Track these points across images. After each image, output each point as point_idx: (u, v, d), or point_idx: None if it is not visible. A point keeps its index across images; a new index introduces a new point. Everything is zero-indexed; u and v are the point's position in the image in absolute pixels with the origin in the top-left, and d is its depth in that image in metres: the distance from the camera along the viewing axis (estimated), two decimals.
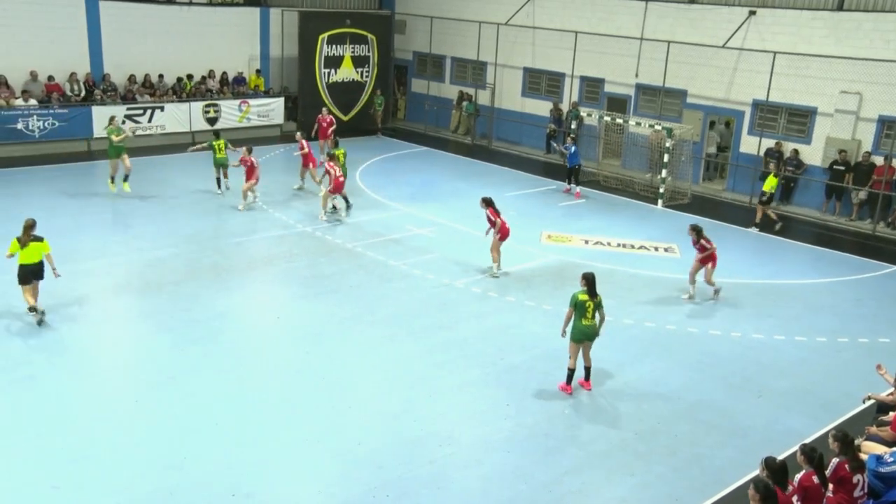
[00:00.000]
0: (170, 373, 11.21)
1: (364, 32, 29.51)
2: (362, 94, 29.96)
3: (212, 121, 24.96)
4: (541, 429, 10.27)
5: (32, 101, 22.98)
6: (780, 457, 8.09)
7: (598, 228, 19.21)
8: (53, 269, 12.40)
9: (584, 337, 10.98)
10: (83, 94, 24.34)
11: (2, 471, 8.84)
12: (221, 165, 20.01)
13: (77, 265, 14.86)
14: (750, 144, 22.61)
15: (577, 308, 10.88)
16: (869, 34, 20.25)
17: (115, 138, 18.79)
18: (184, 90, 26.35)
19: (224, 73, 27.48)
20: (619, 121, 23.50)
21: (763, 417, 10.87)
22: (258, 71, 28.56)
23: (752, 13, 22.20)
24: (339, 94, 29.12)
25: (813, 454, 7.77)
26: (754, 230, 19.68)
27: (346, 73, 29.35)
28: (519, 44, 27.91)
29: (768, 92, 21.39)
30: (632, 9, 24.79)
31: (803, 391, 11.68)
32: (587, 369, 11.31)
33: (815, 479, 7.68)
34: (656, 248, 17.94)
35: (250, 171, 18.73)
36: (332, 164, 18.45)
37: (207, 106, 25.91)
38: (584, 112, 25.62)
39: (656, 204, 21.75)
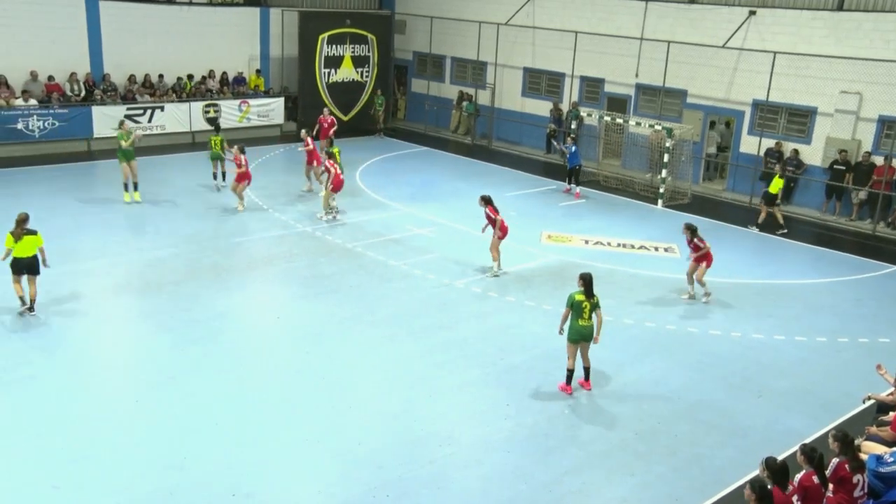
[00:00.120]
0: (170, 373, 11.21)
1: (364, 32, 29.51)
2: (362, 94, 29.96)
3: (212, 121, 24.95)
4: (541, 429, 10.27)
5: (32, 101, 22.98)
6: (781, 457, 8.08)
7: (598, 228, 19.21)
8: (44, 260, 12.59)
9: (580, 338, 10.98)
10: (83, 94, 24.34)
11: (2, 471, 8.84)
12: (216, 160, 20.64)
13: (77, 265, 14.88)
14: (750, 144, 22.61)
15: (574, 308, 10.88)
16: (869, 34, 20.25)
17: (124, 144, 18.60)
18: (184, 90, 26.35)
19: (224, 73, 27.48)
20: (619, 121, 23.50)
21: (763, 417, 10.87)
22: (258, 71, 28.57)
23: (752, 13, 22.20)
24: (339, 94, 29.12)
25: (813, 454, 7.77)
26: (755, 230, 19.69)
27: (346, 73, 29.36)
28: (519, 44, 27.91)
29: (768, 92, 21.39)
30: (632, 9, 24.79)
31: (803, 391, 11.68)
32: (586, 369, 11.31)
33: (816, 479, 7.68)
34: (656, 249, 17.94)
35: (241, 173, 18.60)
36: (331, 162, 18.48)
37: (207, 106, 25.91)
38: (584, 112, 25.62)
39: (656, 204, 21.75)
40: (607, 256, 17.13)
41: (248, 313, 13.71)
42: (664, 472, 9.50)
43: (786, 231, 19.41)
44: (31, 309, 12.61)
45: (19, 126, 22.55)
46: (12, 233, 12.37)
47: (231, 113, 26.50)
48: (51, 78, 23.85)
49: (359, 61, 29.61)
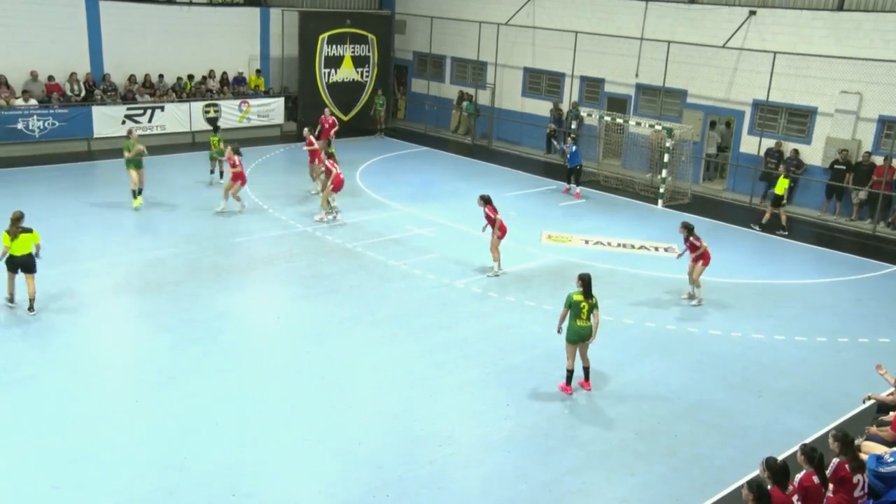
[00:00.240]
0: (170, 373, 11.21)
1: (364, 32, 29.51)
2: (362, 94, 29.96)
3: (211, 121, 24.95)
4: (541, 429, 10.27)
5: (32, 101, 22.98)
6: (781, 457, 8.08)
7: (598, 228, 19.21)
8: (38, 252, 12.77)
9: (578, 338, 10.98)
10: (83, 94, 24.34)
11: (2, 471, 8.84)
12: (213, 159, 21.12)
13: (77, 265, 14.88)
14: (750, 144, 22.61)
15: (572, 309, 10.88)
16: (869, 34, 20.25)
17: (127, 154, 18.53)
18: (184, 90, 26.35)
19: (224, 73, 27.48)
20: (620, 121, 23.50)
21: (763, 417, 10.87)
22: (258, 71, 28.57)
23: (752, 13, 22.20)
24: (339, 94, 29.12)
25: (813, 454, 7.76)
26: (756, 228, 19.69)
27: (347, 73, 29.36)
28: (519, 44, 27.91)
29: (768, 92, 21.39)
30: (632, 9, 24.79)
31: (803, 391, 11.68)
32: (586, 369, 11.30)
33: (816, 479, 7.68)
34: (656, 248, 17.93)
35: (236, 173, 18.56)
36: (331, 161, 18.48)
37: (207, 106, 25.90)
38: (584, 112, 25.61)
39: (656, 204, 21.75)
40: (607, 256, 17.13)
41: (248, 313, 13.71)
42: (664, 472, 9.50)
43: (787, 233, 19.42)
44: (30, 308, 12.65)
45: (19, 126, 22.55)
46: (8, 231, 12.52)
47: (231, 113, 26.50)
48: (51, 78, 23.85)
49: (359, 61, 29.60)
